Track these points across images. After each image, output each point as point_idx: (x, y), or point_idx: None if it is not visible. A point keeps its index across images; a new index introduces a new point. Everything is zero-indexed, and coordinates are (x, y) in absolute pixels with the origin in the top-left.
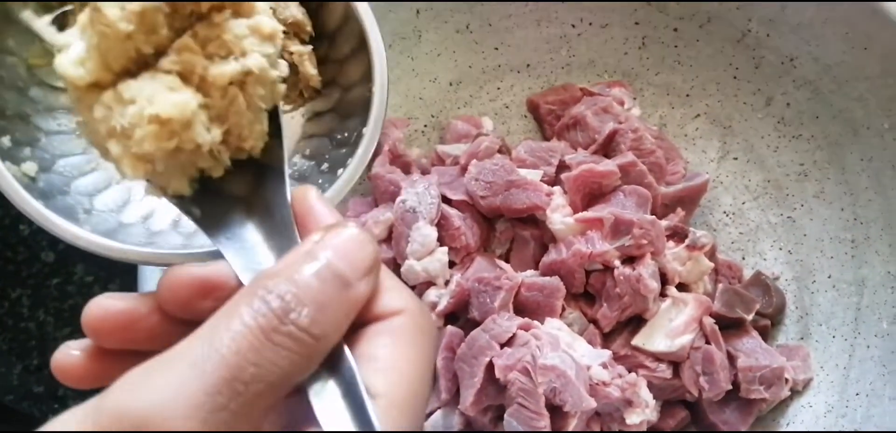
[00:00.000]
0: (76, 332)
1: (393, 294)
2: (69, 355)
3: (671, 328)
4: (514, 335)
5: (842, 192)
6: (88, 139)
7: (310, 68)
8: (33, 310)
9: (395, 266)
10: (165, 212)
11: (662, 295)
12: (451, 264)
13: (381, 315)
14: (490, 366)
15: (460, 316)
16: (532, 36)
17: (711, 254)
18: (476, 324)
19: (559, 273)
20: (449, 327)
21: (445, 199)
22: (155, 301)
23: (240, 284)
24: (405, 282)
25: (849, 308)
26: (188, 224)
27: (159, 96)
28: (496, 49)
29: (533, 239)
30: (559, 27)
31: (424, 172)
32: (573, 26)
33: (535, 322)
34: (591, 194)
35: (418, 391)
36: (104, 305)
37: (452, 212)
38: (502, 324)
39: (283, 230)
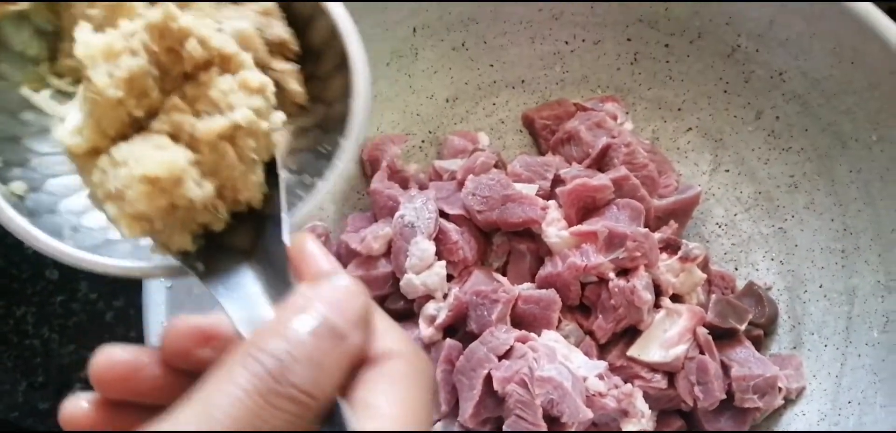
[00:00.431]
0: (80, 349)
1: (387, 336)
2: (78, 406)
3: (665, 339)
4: (512, 347)
5: (831, 204)
6: (94, 203)
7: (294, 86)
8: (38, 327)
9: (394, 280)
10: None
11: (657, 306)
12: (450, 278)
13: (376, 358)
14: (488, 379)
15: (459, 328)
16: (526, 53)
17: (704, 266)
18: (474, 336)
19: (555, 286)
20: (447, 340)
21: (443, 214)
22: (158, 352)
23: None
24: (405, 295)
25: (840, 317)
26: None
27: (148, 156)
28: (491, 66)
29: (529, 252)
30: (553, 44)
31: (422, 187)
32: (566, 43)
33: (533, 334)
34: (585, 208)
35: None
36: (109, 356)
37: (450, 226)
38: (500, 336)
39: (280, 278)
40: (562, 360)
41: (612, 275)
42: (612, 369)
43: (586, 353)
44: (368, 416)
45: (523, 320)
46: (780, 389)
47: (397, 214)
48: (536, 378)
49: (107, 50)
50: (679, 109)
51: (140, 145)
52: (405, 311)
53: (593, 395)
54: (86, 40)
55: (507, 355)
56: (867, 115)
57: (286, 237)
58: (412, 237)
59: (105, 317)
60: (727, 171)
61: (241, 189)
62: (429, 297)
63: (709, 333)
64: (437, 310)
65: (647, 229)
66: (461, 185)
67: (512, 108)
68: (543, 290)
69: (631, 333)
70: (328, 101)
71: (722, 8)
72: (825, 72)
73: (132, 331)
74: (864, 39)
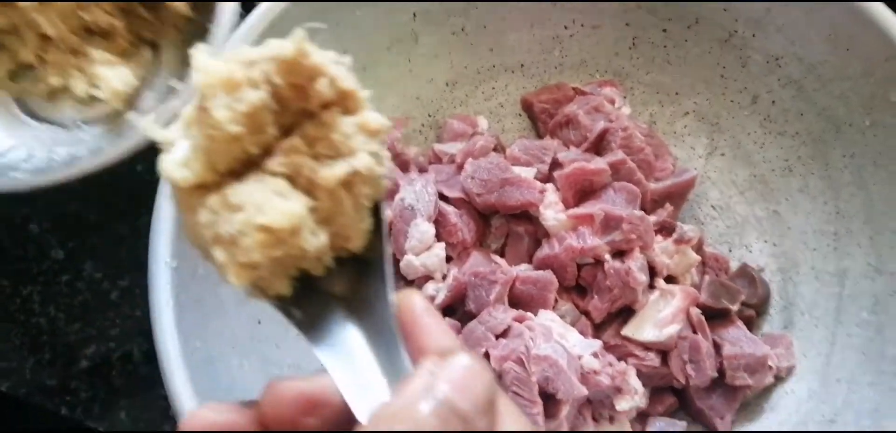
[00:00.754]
0: (86, 327)
1: (509, 419)
2: None
3: (659, 319)
4: (509, 327)
5: (825, 187)
6: (189, 240)
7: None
8: (44, 306)
9: (394, 261)
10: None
11: (651, 287)
12: (449, 259)
13: None
14: (486, 357)
15: (457, 309)
16: (526, 37)
17: (698, 248)
18: (472, 316)
19: (552, 267)
20: (446, 320)
21: (442, 197)
22: (256, 414)
23: (344, 402)
24: (404, 276)
25: (831, 298)
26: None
27: (268, 204)
28: (491, 50)
29: (527, 234)
30: (552, 29)
31: (422, 170)
32: (565, 28)
33: (529, 314)
34: (582, 191)
35: None
36: (203, 419)
37: (449, 209)
38: (497, 316)
39: (388, 339)
40: (557, 339)
41: (607, 256)
42: (607, 348)
43: (582, 333)
44: None
45: (521, 300)
46: (770, 367)
47: (397, 197)
48: (533, 356)
49: (228, 81)
50: (676, 94)
51: (257, 188)
52: None
53: (588, 373)
54: (205, 67)
55: (504, 334)
56: (861, 101)
57: (391, 292)
58: (412, 219)
59: (110, 295)
60: (723, 154)
61: (350, 236)
62: (428, 278)
63: (702, 313)
64: (437, 291)
65: (642, 212)
66: (460, 168)
67: (511, 92)
68: (540, 272)
69: (626, 313)
70: (208, 9)
71: None
72: (820, 58)
73: (137, 310)
74: (859, 26)
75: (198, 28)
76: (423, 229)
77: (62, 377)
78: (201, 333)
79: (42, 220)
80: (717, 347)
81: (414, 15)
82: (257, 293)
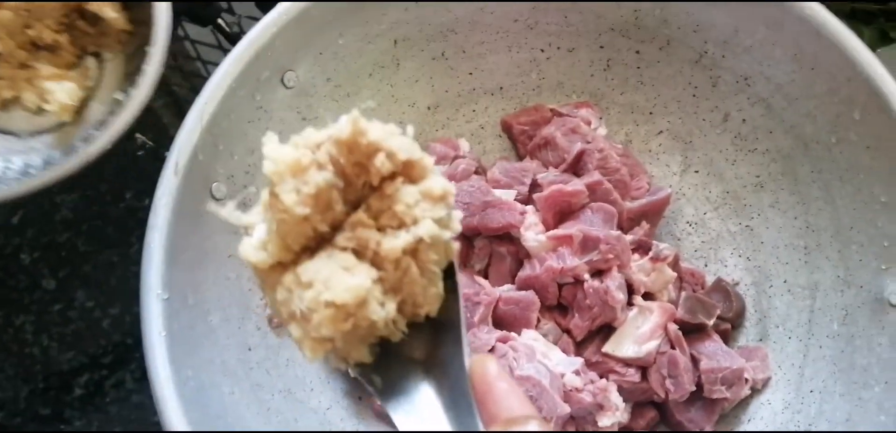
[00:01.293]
0: (79, 355)
1: None
2: None
3: (638, 335)
4: (493, 347)
5: (795, 202)
6: (275, 315)
7: (111, 13)
8: (37, 335)
9: None
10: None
11: (630, 304)
12: None
13: None
14: None
15: None
16: (504, 61)
17: (675, 264)
18: None
19: (534, 287)
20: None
21: None
22: None
23: None
24: None
25: (803, 311)
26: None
27: (335, 280)
28: (470, 74)
29: (509, 254)
30: (529, 52)
31: None
32: (542, 51)
33: (513, 334)
34: (561, 212)
35: None
36: None
37: None
38: (482, 336)
39: (463, 402)
40: (541, 358)
41: (587, 276)
42: (589, 365)
43: (564, 350)
44: None
45: (504, 320)
46: (746, 380)
47: None
48: (516, 376)
49: (295, 166)
50: (650, 113)
51: (325, 264)
52: None
53: (570, 391)
54: (274, 155)
55: (490, 353)
56: (827, 119)
57: (467, 355)
58: None
59: (102, 324)
60: (697, 171)
61: (421, 303)
62: None
63: (679, 329)
64: None
65: (619, 232)
66: None
67: (491, 114)
68: (523, 292)
69: (606, 330)
70: (146, 21)
71: (689, 17)
72: (787, 77)
73: (129, 337)
74: (822, 46)
75: (139, 39)
76: None
77: (56, 406)
78: (193, 362)
79: (33, 250)
80: (694, 362)
81: (395, 42)
82: (338, 362)
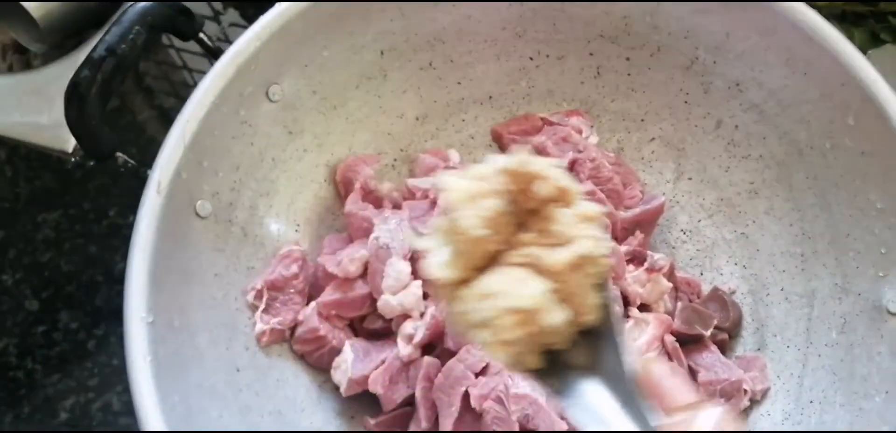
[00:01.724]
0: (65, 378)
1: None
2: None
3: (635, 347)
4: (488, 364)
5: (790, 209)
6: (454, 325)
7: None
8: (21, 358)
9: (372, 301)
10: None
11: (625, 316)
12: (426, 296)
13: None
14: (466, 396)
15: (437, 346)
16: (493, 69)
17: (670, 274)
18: (452, 353)
19: None
20: (426, 358)
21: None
22: None
23: None
24: (382, 315)
25: (801, 319)
26: None
27: (513, 290)
28: (459, 83)
29: None
30: (518, 60)
31: (396, 206)
32: (531, 59)
33: None
34: None
35: None
36: None
37: None
38: (476, 353)
39: (633, 401)
40: None
41: None
42: None
43: None
44: None
45: None
46: (745, 391)
47: (372, 236)
48: (512, 395)
49: (471, 195)
50: (642, 120)
51: (502, 278)
52: (384, 331)
53: None
54: (452, 186)
55: (483, 372)
56: (821, 125)
57: (627, 357)
58: (388, 258)
59: (87, 345)
60: (690, 178)
61: (584, 312)
62: (406, 316)
63: (676, 340)
64: (415, 329)
65: (613, 243)
66: (434, 203)
67: (481, 124)
68: None
69: None
70: None
71: (680, 22)
72: (780, 83)
73: (115, 358)
74: (814, 51)
75: None
76: (399, 268)
77: (42, 431)
78: (180, 387)
79: (15, 271)
80: (692, 373)
81: (381, 52)
82: (516, 367)
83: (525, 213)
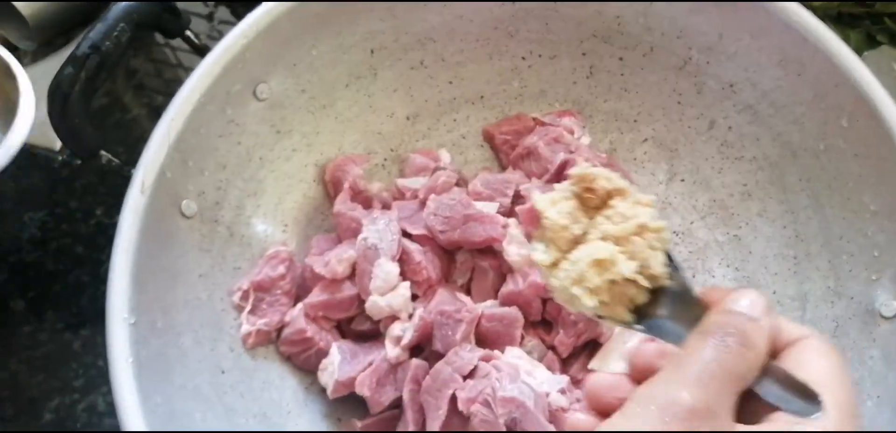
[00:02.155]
0: (49, 379)
1: (792, 327)
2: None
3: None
4: (476, 366)
5: (783, 211)
6: (557, 293)
7: None
8: (5, 359)
9: (360, 302)
10: None
11: None
12: (415, 297)
13: (790, 341)
14: (454, 399)
15: (425, 348)
16: (484, 69)
17: None
18: (440, 355)
19: (517, 303)
20: (414, 360)
21: (406, 234)
22: (629, 372)
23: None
24: (370, 316)
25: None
26: None
27: (593, 251)
28: (450, 83)
29: (492, 269)
30: (510, 60)
31: (386, 206)
32: (523, 58)
33: (496, 352)
34: None
35: (852, 394)
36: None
37: (413, 246)
38: (464, 355)
39: (697, 314)
40: (525, 378)
41: None
42: (575, 382)
43: (549, 368)
44: (804, 373)
45: (487, 338)
46: None
47: (360, 237)
48: (499, 398)
49: (553, 200)
50: (635, 121)
51: (585, 249)
52: (371, 332)
53: (556, 411)
54: (541, 198)
55: (471, 374)
56: (814, 126)
57: (694, 294)
58: (376, 259)
59: (73, 345)
60: (683, 180)
61: (652, 268)
62: (394, 318)
63: None
64: (403, 331)
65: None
66: (424, 204)
67: (472, 124)
68: (506, 308)
69: (592, 346)
70: None
71: (673, 23)
72: (773, 83)
73: (100, 359)
74: (808, 52)
75: None
76: (387, 269)
77: (26, 431)
78: (163, 389)
79: (0, 271)
80: None
81: (371, 51)
82: (610, 320)
83: (592, 209)
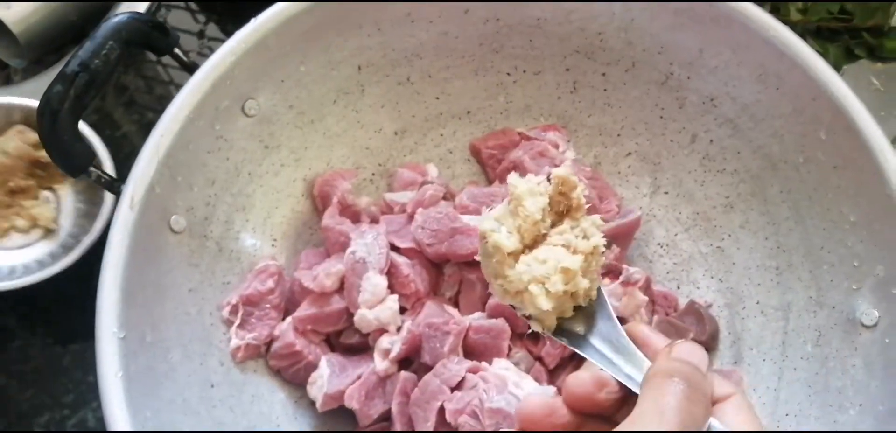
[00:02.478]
0: (40, 394)
1: (721, 383)
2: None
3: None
4: (464, 378)
5: (765, 223)
6: (501, 290)
7: None
8: None
9: (348, 315)
10: None
11: None
12: (403, 310)
13: (720, 398)
14: (442, 410)
15: (413, 360)
16: (470, 84)
17: (646, 288)
18: (429, 367)
19: (504, 315)
20: (402, 373)
21: (394, 248)
22: (563, 399)
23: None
24: (359, 330)
25: (776, 332)
26: None
27: (562, 258)
28: (437, 98)
29: (479, 281)
30: (495, 75)
31: (374, 220)
32: (508, 74)
33: (484, 364)
34: None
35: None
36: (533, 409)
37: (401, 260)
38: (452, 367)
39: (626, 349)
40: (512, 389)
41: None
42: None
43: (537, 379)
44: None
45: (475, 350)
46: None
47: (348, 250)
48: (487, 409)
49: (530, 191)
50: (618, 135)
51: (551, 251)
52: (360, 346)
53: None
54: (517, 183)
55: (459, 386)
56: (794, 139)
57: (616, 322)
58: (364, 272)
59: (62, 361)
60: (666, 193)
61: (591, 289)
62: (383, 331)
63: None
64: (392, 344)
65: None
66: (411, 217)
67: (459, 138)
68: (493, 320)
69: (578, 358)
70: None
71: (654, 38)
72: (753, 97)
73: (90, 374)
74: (785, 66)
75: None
76: (375, 282)
77: None
78: (152, 403)
79: None
80: None
81: (359, 67)
82: (539, 325)
83: (556, 215)
